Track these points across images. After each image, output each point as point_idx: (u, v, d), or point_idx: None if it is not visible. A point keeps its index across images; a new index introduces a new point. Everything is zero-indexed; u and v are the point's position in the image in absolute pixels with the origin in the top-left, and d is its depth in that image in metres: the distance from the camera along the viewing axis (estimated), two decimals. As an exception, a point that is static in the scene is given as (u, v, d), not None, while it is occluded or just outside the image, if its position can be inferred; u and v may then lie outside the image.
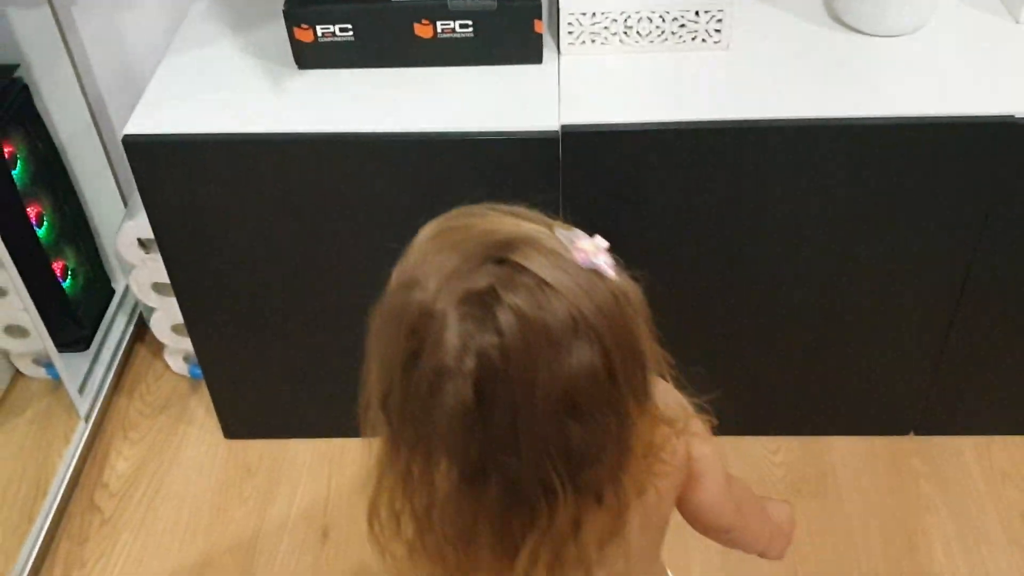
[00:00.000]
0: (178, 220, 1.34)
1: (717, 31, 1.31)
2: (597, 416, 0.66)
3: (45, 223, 1.61)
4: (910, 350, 1.46)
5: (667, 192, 1.27)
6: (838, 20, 1.37)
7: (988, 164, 1.23)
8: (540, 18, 1.29)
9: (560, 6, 1.29)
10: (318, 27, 1.29)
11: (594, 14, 1.30)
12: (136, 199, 1.46)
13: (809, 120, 1.21)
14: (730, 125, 1.22)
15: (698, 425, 0.82)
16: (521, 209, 0.71)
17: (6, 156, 1.50)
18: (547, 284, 0.63)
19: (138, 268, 1.55)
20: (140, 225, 1.49)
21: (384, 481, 0.74)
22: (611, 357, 0.65)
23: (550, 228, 0.67)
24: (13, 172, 1.52)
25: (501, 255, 0.64)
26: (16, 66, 1.52)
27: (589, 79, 1.29)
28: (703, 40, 1.32)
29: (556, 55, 1.34)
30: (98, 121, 1.64)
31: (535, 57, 1.32)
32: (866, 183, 1.25)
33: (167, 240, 1.36)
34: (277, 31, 1.36)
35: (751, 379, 1.52)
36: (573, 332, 0.64)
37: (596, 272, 0.65)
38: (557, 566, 0.71)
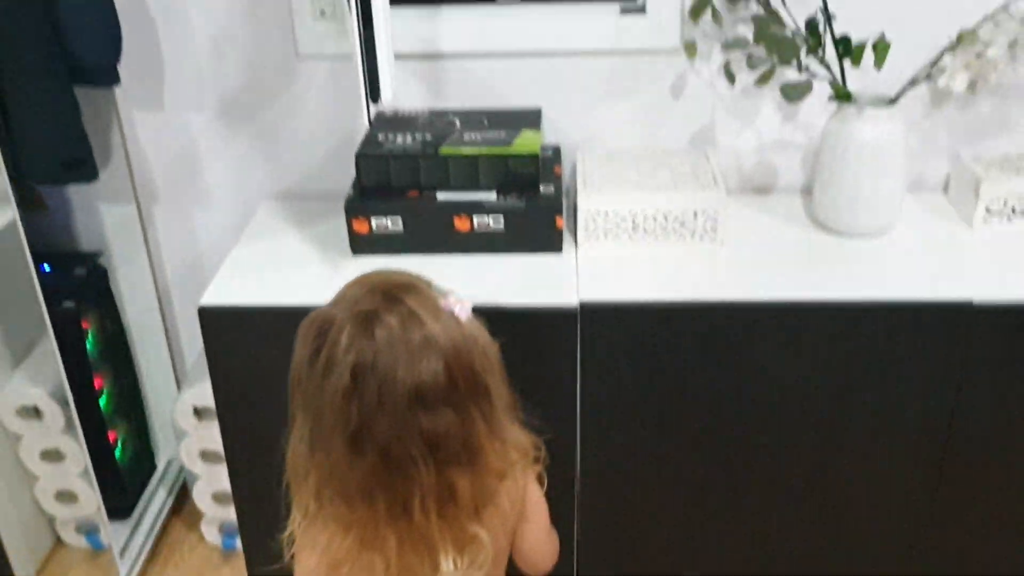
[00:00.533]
0: (238, 386, 1.49)
1: (713, 229, 1.53)
2: (439, 410, 0.95)
3: (105, 394, 1.77)
4: (900, 512, 1.57)
5: (671, 361, 1.44)
6: (817, 223, 1.60)
7: (953, 342, 1.41)
8: (561, 215, 1.51)
9: (578, 206, 1.52)
10: (373, 219, 1.51)
11: (607, 213, 1.52)
12: (193, 372, 1.63)
13: (793, 302, 1.40)
14: (725, 305, 1.41)
15: (536, 472, 1.12)
16: (421, 276, 1.04)
17: (85, 332, 1.68)
18: (415, 313, 0.95)
19: (190, 436, 1.69)
20: (196, 394, 1.65)
21: (296, 449, 1.03)
22: (452, 372, 0.95)
23: (429, 286, 1.02)
24: (87, 346, 1.69)
25: (391, 293, 0.97)
26: (100, 253, 1.74)
27: (603, 265, 1.50)
28: (701, 237, 1.54)
29: (575, 246, 1.55)
30: (163, 305, 1.84)
31: (557, 248, 1.53)
32: (845, 359, 1.42)
33: (225, 405, 1.51)
34: (334, 224, 1.58)
35: (755, 536, 1.62)
36: (426, 348, 0.94)
37: (454, 316, 0.98)
38: (446, 517, 0.99)
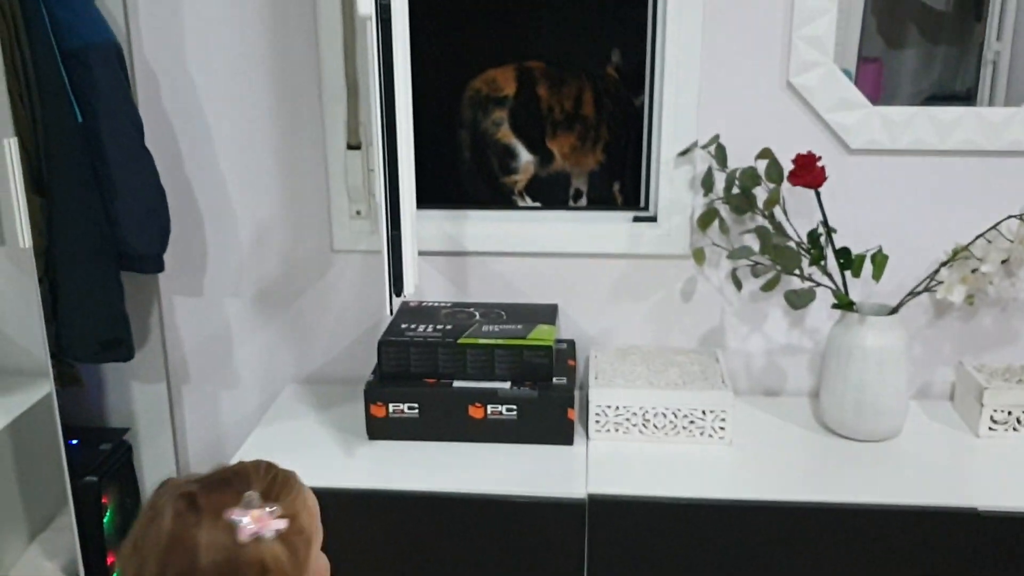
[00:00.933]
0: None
1: (722, 428, 1.57)
2: None
3: (118, 573, 1.77)
4: None
5: (678, 557, 1.44)
6: (824, 426, 1.63)
7: (956, 548, 1.40)
8: (573, 407, 1.56)
9: (590, 399, 1.57)
10: (390, 405, 1.57)
11: (618, 407, 1.57)
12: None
13: (799, 503, 1.42)
14: (731, 504, 1.42)
15: None
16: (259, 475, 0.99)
17: (104, 508, 1.72)
18: (196, 512, 0.92)
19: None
20: None
21: None
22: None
23: (256, 494, 0.94)
24: (104, 521, 1.72)
25: (206, 482, 0.95)
26: (127, 430, 1.80)
27: (613, 460, 1.53)
28: (710, 435, 1.58)
29: (585, 439, 1.59)
30: (182, 483, 1.88)
31: (567, 439, 1.57)
32: (850, 561, 1.42)
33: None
34: (353, 409, 1.64)
35: None
36: (182, 552, 0.90)
37: (231, 528, 0.91)
38: None
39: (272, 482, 0.98)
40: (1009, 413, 1.59)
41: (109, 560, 1.75)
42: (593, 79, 1.92)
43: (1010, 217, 1.53)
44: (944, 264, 1.56)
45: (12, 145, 1.31)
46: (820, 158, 1.49)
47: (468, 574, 1.47)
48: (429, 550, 1.47)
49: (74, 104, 1.46)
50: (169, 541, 0.91)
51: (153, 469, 1.84)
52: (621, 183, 1.94)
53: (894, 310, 1.57)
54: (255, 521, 0.92)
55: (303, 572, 0.97)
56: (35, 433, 1.59)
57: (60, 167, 1.46)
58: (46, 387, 1.53)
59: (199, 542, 0.91)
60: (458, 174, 1.95)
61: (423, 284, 1.79)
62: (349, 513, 1.46)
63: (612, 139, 1.95)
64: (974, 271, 1.55)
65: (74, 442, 1.69)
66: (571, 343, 1.76)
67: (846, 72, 1.67)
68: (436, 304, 1.76)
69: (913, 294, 1.58)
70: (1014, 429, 1.59)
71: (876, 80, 1.71)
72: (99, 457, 1.72)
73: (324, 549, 1.55)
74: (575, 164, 1.94)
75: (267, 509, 0.93)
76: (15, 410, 1.59)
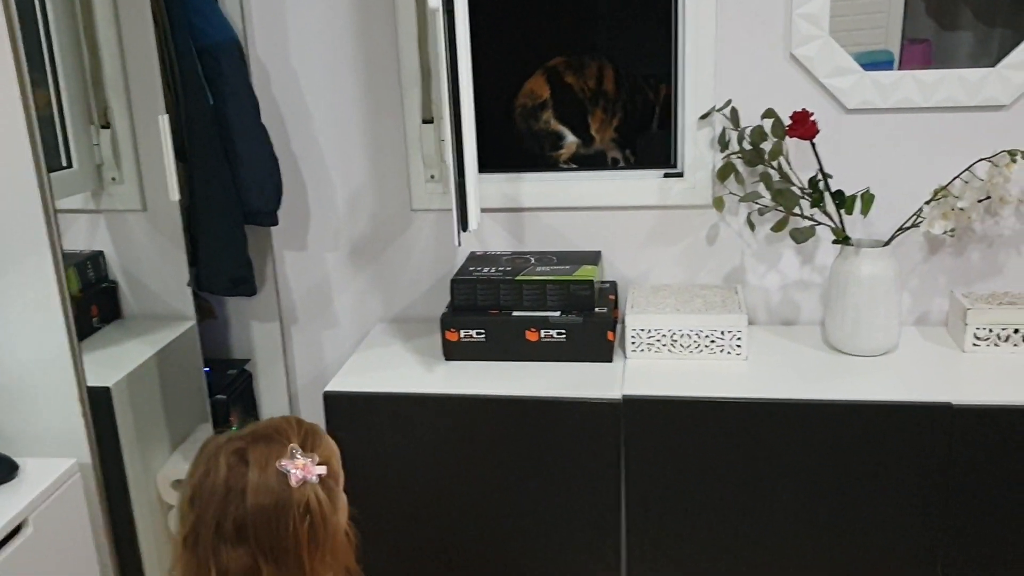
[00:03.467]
0: (353, 459, 1.85)
1: (738, 346, 1.86)
2: (235, 550, 1.08)
3: (242, 478, 2.15)
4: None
5: (703, 449, 1.74)
6: (829, 345, 1.91)
7: (936, 438, 1.67)
8: (613, 330, 1.88)
9: (626, 324, 1.88)
10: (462, 331, 1.91)
11: (650, 330, 1.88)
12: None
13: (803, 400, 1.71)
14: (746, 401, 1.72)
15: None
16: (302, 429, 1.18)
17: (231, 423, 2.10)
18: (245, 462, 1.10)
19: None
20: (314, 474, 2.01)
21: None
22: (247, 522, 1.08)
23: (299, 446, 1.13)
24: (231, 433, 2.10)
25: (253, 436, 1.13)
26: (247, 360, 2.18)
27: (646, 371, 1.84)
28: (728, 353, 1.87)
29: (623, 357, 1.90)
30: (292, 405, 2.25)
31: (608, 357, 1.89)
32: (847, 451, 1.70)
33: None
34: (432, 339, 1.99)
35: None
36: (234, 495, 1.08)
37: (283, 475, 1.09)
38: None
39: (306, 435, 1.16)
40: (990, 331, 1.85)
41: (235, 467, 2.13)
42: (614, 62, 2.24)
43: (981, 160, 1.79)
44: (927, 203, 1.83)
45: (165, 121, 1.68)
46: (813, 114, 1.78)
47: (524, 465, 1.80)
48: (492, 444, 1.81)
49: (207, 90, 1.84)
50: (225, 490, 1.07)
51: (269, 393, 2.22)
52: (633, 148, 2.27)
53: (886, 243, 1.84)
54: (302, 469, 1.10)
55: (336, 508, 1.16)
56: (177, 360, 1.97)
57: (197, 140, 1.85)
58: (189, 321, 1.91)
59: (251, 489, 1.06)
60: (515, 146, 2.29)
61: (486, 237, 2.12)
62: (430, 414, 1.80)
63: (632, 111, 2.27)
64: (953, 209, 1.81)
65: (206, 369, 2.07)
66: (612, 283, 2.07)
67: (889, 53, 1.93)
68: (498, 252, 2.09)
69: (902, 229, 1.85)
70: (995, 344, 1.85)
71: (924, 61, 1.92)
72: (226, 381, 2.10)
73: (412, 445, 1.85)
74: (604, 135, 2.25)
75: (309, 458, 1.12)
76: (161, 341, 1.97)
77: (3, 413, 1.52)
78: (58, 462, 1.49)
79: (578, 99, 2.22)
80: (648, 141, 2.28)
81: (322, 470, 1.12)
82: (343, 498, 1.20)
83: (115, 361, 1.89)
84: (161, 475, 2.06)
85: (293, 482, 1.08)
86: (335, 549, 1.14)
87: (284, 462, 1.09)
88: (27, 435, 1.52)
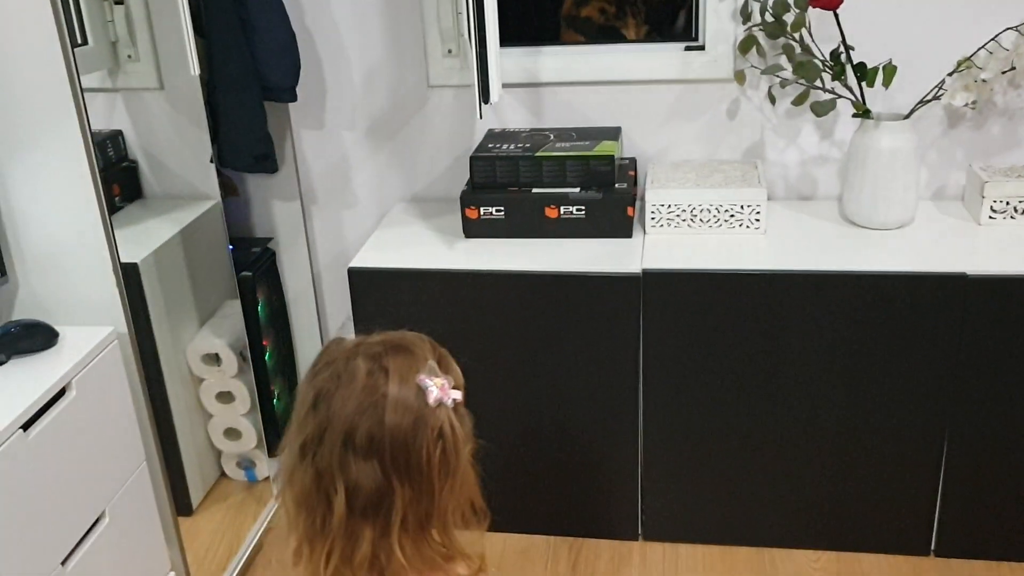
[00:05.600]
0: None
1: (757, 220, 1.88)
2: (366, 463, 0.98)
3: (269, 353, 2.21)
4: (913, 473, 1.84)
5: (721, 322, 1.78)
6: (847, 219, 1.93)
7: (951, 308, 1.71)
8: (632, 206, 1.90)
9: (646, 198, 1.89)
10: (481, 208, 1.93)
11: (669, 205, 1.90)
12: (336, 329, 2.04)
13: (820, 271, 1.73)
14: (765, 273, 1.75)
15: None
16: (436, 349, 1.08)
17: (258, 300, 2.15)
18: (386, 372, 0.99)
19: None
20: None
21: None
22: (383, 435, 0.97)
23: (435, 364, 1.02)
24: (258, 309, 2.15)
25: (388, 346, 1.03)
26: (270, 239, 2.21)
27: (665, 246, 1.86)
28: (747, 227, 1.89)
29: (643, 233, 1.92)
30: (315, 284, 2.29)
31: (627, 233, 1.91)
32: (862, 321, 1.74)
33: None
34: (452, 217, 2.01)
35: (795, 495, 1.91)
36: (373, 404, 0.98)
37: (423, 391, 0.99)
38: (341, 563, 1.01)
39: (441, 357, 1.06)
40: (1007, 203, 1.86)
41: (264, 343, 2.19)
42: None
43: (1007, 29, 1.77)
44: (950, 74, 1.81)
45: (183, -6, 1.67)
46: (838, -17, 1.75)
47: (544, 338, 1.85)
48: (513, 319, 1.85)
49: (222, -38, 1.82)
50: (361, 397, 0.97)
51: (292, 270, 2.26)
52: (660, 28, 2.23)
53: (906, 117, 1.83)
54: (440, 389, 1.00)
55: (462, 446, 1.03)
56: (202, 237, 2.00)
57: (215, 13, 1.83)
58: (213, 199, 1.94)
59: (390, 401, 0.97)
60: (534, 14, 2.25)
61: (506, 114, 2.12)
62: (452, 290, 1.84)
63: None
64: (976, 80, 1.80)
65: (231, 247, 2.10)
66: (633, 159, 2.08)
67: None
68: (517, 129, 2.09)
69: (923, 102, 1.84)
70: (1011, 217, 1.86)
71: None
72: (251, 258, 2.14)
73: (434, 320, 1.85)
74: (639, 32, 2.22)
75: (446, 379, 1.01)
76: (186, 219, 2.00)
77: (40, 284, 1.56)
78: (96, 330, 1.54)
79: (604, 26, 2.18)
80: (668, 16, 2.25)
81: (458, 395, 1.02)
82: (470, 430, 1.08)
83: (141, 238, 1.92)
84: (191, 348, 2.11)
85: (431, 400, 0.99)
86: (463, 482, 1.04)
87: (423, 377, 1.00)
88: (64, 305, 1.56)
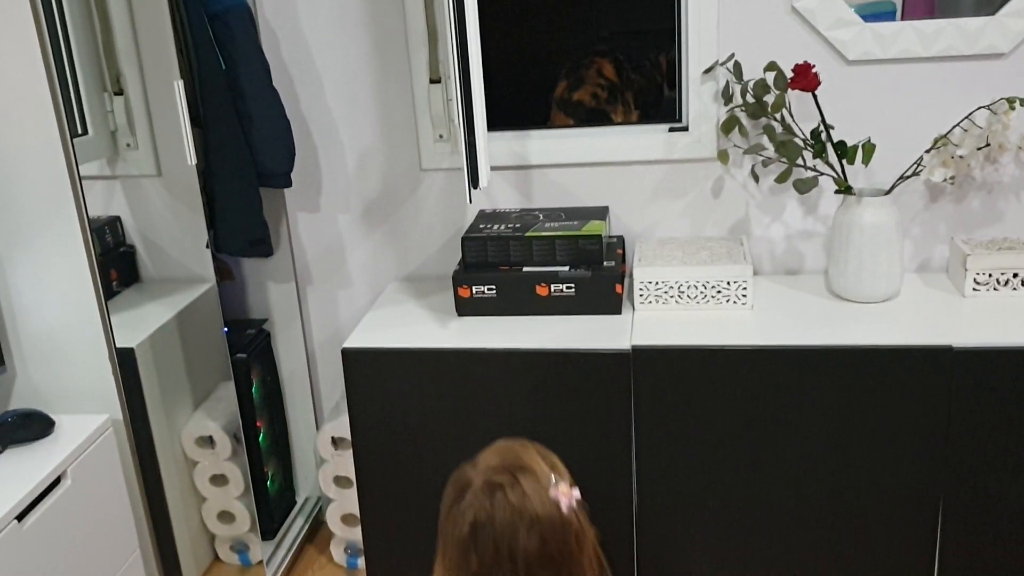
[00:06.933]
0: (370, 414, 1.92)
1: (743, 295, 1.91)
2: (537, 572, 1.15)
3: (262, 434, 2.22)
4: (908, 546, 1.83)
5: (710, 397, 1.80)
6: (833, 294, 1.96)
7: (938, 381, 1.73)
8: (621, 283, 1.93)
9: (634, 276, 1.93)
10: (473, 287, 1.96)
11: (657, 282, 1.93)
12: (330, 415, 2.06)
13: (807, 346, 1.76)
14: (752, 349, 1.77)
15: None
16: (547, 457, 1.26)
17: (252, 381, 2.16)
18: (526, 495, 1.17)
19: (328, 463, 2.11)
20: (335, 427, 2.08)
21: None
22: (549, 546, 1.15)
23: (551, 472, 1.22)
24: (252, 390, 2.16)
25: (515, 472, 1.20)
26: (265, 320, 2.24)
27: (654, 322, 1.89)
28: (734, 302, 1.92)
29: (632, 309, 1.95)
30: (310, 363, 2.31)
31: (616, 309, 1.93)
32: (851, 395, 1.75)
33: (358, 430, 1.94)
34: (444, 295, 2.04)
35: (789, 570, 1.90)
36: (530, 524, 1.15)
37: (557, 504, 1.18)
38: None
39: (551, 460, 1.25)
40: (989, 275, 1.89)
41: (257, 424, 2.20)
42: (612, 53, 2.29)
43: (979, 108, 1.83)
44: (927, 151, 1.86)
45: (180, 86, 1.72)
46: (815, 66, 1.81)
47: (540, 414, 1.86)
48: (505, 396, 1.86)
49: (219, 55, 1.88)
50: (513, 525, 1.14)
51: (286, 351, 2.28)
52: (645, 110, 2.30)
53: (887, 192, 1.88)
54: (565, 496, 1.19)
55: (588, 528, 1.24)
56: (198, 321, 2.03)
57: (211, 104, 1.89)
58: (208, 282, 1.97)
59: (540, 521, 1.15)
60: (519, 104, 2.32)
61: (495, 195, 2.16)
62: (445, 368, 1.86)
63: (643, 88, 2.31)
64: (953, 157, 1.85)
65: (226, 330, 2.13)
66: (620, 237, 2.12)
67: (891, 3, 1.95)
68: (507, 210, 2.14)
69: (903, 178, 1.89)
70: (995, 289, 1.90)
71: (927, 10, 1.94)
72: (245, 340, 2.16)
73: (427, 398, 1.89)
74: (629, 118, 2.30)
75: (566, 484, 1.20)
76: (181, 303, 2.02)
77: (38, 373, 1.58)
78: (92, 418, 1.56)
79: (595, 109, 2.26)
80: (656, 99, 2.32)
81: (577, 493, 1.20)
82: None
83: (137, 323, 1.94)
84: (186, 432, 2.12)
85: (564, 507, 1.17)
86: (592, 558, 1.23)
87: (553, 491, 1.18)
88: (61, 393, 1.58)
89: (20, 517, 1.37)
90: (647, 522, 1.92)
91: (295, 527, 2.33)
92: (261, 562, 2.19)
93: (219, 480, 2.17)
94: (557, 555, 1.15)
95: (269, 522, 2.25)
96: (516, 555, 1.13)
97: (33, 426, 1.52)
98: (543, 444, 1.86)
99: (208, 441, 2.14)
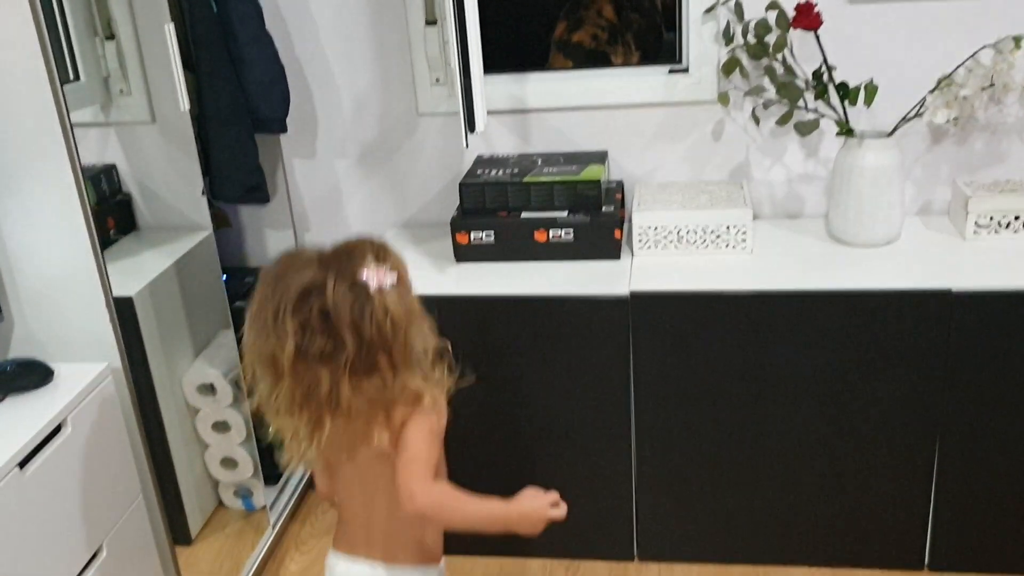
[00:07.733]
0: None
1: (743, 240, 1.90)
2: (314, 325, 1.24)
3: (263, 381, 2.22)
4: (905, 487, 1.85)
5: (708, 342, 1.80)
6: (833, 237, 1.95)
7: (937, 324, 1.72)
8: (620, 229, 1.92)
9: (633, 221, 1.91)
10: (472, 233, 1.95)
11: (656, 227, 1.92)
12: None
13: (807, 290, 1.75)
14: (751, 294, 1.77)
15: (430, 409, 1.32)
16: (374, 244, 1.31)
17: (248, 327, 2.16)
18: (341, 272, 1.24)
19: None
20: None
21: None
22: (329, 307, 1.23)
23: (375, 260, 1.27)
24: (251, 338, 2.16)
25: (339, 252, 1.28)
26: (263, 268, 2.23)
27: (653, 268, 1.88)
28: (733, 247, 1.91)
29: (631, 255, 1.94)
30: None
31: (615, 255, 1.93)
32: (850, 338, 1.75)
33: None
34: (443, 242, 2.03)
35: (788, 512, 1.92)
36: (314, 291, 1.24)
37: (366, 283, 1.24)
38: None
39: (379, 248, 1.30)
40: (991, 218, 1.88)
41: (257, 371, 2.20)
42: None
43: (984, 47, 1.79)
44: (931, 92, 1.83)
45: (171, 29, 1.70)
46: (817, 5, 1.77)
47: (538, 360, 1.86)
48: (504, 342, 1.87)
49: (210, -2, 1.85)
50: (305, 288, 1.23)
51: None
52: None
53: (889, 134, 1.86)
54: (376, 276, 1.25)
55: (411, 313, 1.30)
56: (196, 269, 2.02)
57: (203, 48, 1.86)
58: (206, 230, 1.95)
59: (338, 291, 1.22)
60: (521, 42, 2.29)
61: (493, 139, 2.14)
62: (444, 313, 1.85)
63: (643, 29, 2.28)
64: (957, 97, 1.82)
65: (225, 277, 2.12)
66: (620, 182, 2.10)
67: None
68: (505, 155, 2.12)
69: (906, 120, 1.87)
70: (995, 232, 1.88)
71: None
72: (244, 288, 2.15)
73: None
74: (629, 59, 2.26)
75: (384, 267, 1.26)
76: (179, 251, 2.01)
77: (35, 321, 1.57)
78: (90, 366, 1.56)
79: (595, 51, 2.22)
80: (657, 41, 2.29)
81: (394, 277, 1.27)
82: (417, 309, 1.33)
83: (135, 271, 1.94)
84: (187, 379, 2.13)
85: (371, 288, 1.24)
86: (417, 336, 1.32)
87: (362, 273, 1.24)
88: (58, 341, 1.57)
89: (22, 464, 1.38)
90: (646, 469, 1.93)
91: (297, 472, 2.34)
92: (265, 507, 2.21)
93: (221, 427, 2.18)
94: (342, 307, 1.22)
95: (272, 468, 2.26)
96: (338, 319, 1.21)
97: (32, 375, 1.52)
98: (542, 388, 1.89)
99: (209, 389, 2.14)
